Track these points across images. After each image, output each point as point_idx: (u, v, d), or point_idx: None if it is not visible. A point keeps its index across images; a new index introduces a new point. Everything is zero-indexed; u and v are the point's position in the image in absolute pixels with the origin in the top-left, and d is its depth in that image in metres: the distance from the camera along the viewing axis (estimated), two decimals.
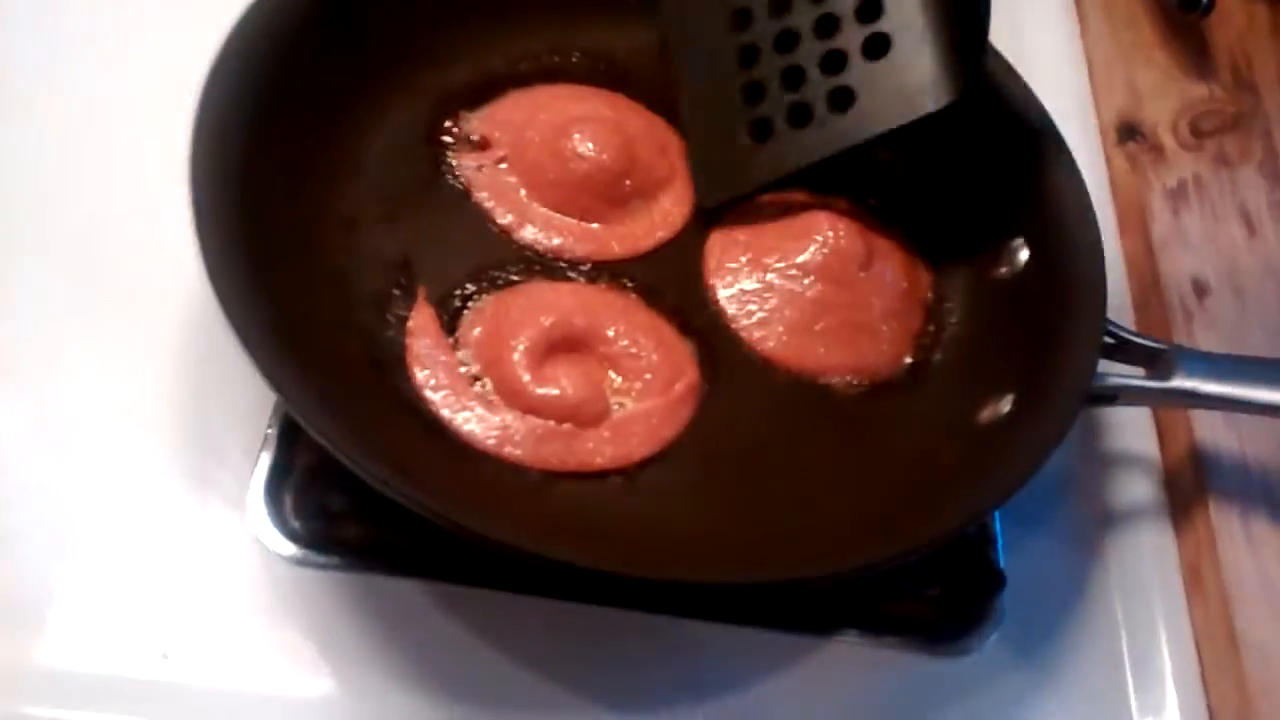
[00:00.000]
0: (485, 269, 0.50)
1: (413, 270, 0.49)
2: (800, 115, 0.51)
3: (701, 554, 0.43)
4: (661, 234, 0.52)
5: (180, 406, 0.49)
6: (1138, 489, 0.54)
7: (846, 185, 0.54)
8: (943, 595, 0.48)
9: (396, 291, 0.48)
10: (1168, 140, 0.66)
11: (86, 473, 0.47)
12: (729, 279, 0.51)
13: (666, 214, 0.53)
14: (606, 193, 0.52)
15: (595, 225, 0.52)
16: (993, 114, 0.53)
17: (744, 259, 0.51)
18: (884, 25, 0.50)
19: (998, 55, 0.54)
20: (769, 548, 0.44)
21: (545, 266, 0.50)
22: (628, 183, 0.52)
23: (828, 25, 0.51)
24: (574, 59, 0.57)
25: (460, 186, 0.52)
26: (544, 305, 0.48)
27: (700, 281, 0.51)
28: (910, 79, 0.49)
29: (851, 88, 0.50)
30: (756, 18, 0.52)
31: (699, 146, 0.54)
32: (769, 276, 0.51)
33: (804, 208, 0.52)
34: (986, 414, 0.48)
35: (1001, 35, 0.51)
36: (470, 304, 0.49)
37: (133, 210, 0.53)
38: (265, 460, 0.47)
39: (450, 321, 0.48)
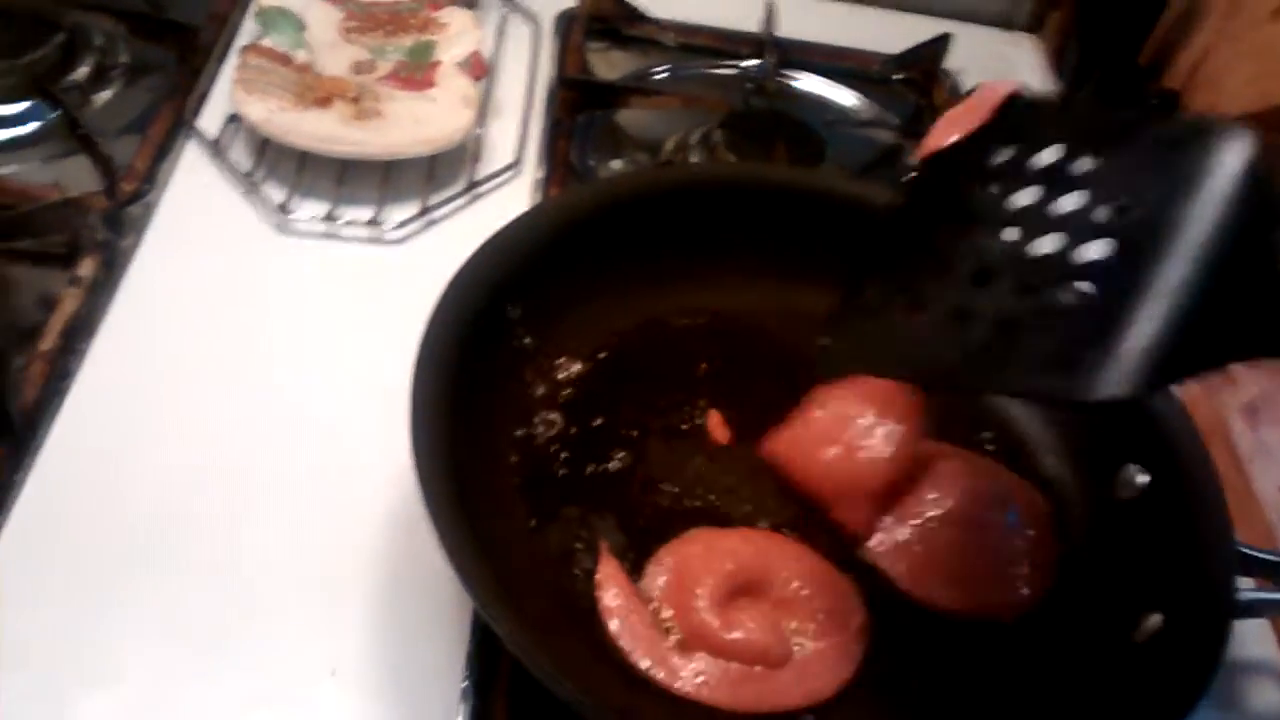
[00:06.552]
0: (660, 519, 0.53)
1: (592, 525, 0.53)
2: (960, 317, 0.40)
3: None
4: None
5: (379, 665, 0.51)
6: (1267, 695, 0.57)
7: (962, 423, 0.59)
8: None
9: (579, 545, 0.52)
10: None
11: None
12: (878, 537, 0.54)
13: None
14: None
15: None
16: None
17: (889, 517, 0.54)
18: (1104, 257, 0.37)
19: None
20: None
21: (714, 513, 0.54)
22: None
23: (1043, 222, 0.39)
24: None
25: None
26: (721, 552, 0.51)
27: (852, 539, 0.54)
28: (1082, 344, 0.36)
29: (1021, 321, 0.38)
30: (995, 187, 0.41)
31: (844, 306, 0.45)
32: (914, 529, 0.54)
33: (932, 459, 0.56)
34: (1139, 633, 0.50)
35: None
36: (648, 551, 0.52)
37: (337, 475, 0.58)
38: (464, 710, 0.50)
39: (633, 570, 0.51)
